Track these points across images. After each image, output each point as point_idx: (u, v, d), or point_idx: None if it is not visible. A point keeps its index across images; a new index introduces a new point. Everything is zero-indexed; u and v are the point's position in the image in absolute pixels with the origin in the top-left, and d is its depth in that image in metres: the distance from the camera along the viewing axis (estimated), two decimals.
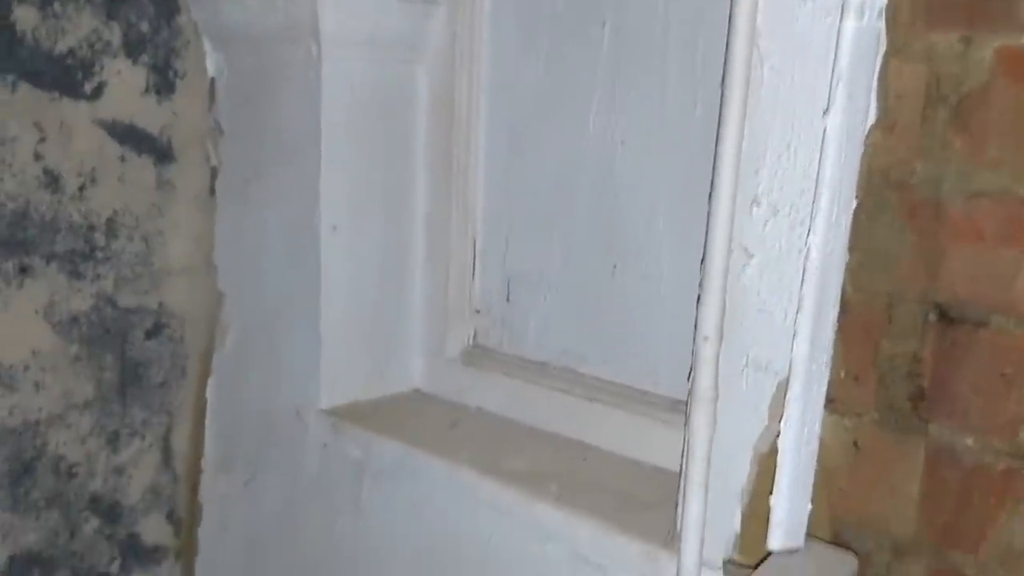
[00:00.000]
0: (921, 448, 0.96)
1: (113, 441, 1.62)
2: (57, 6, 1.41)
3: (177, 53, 1.55)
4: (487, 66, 1.44)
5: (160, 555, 1.73)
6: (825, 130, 0.91)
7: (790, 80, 0.93)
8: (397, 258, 1.54)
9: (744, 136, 0.96)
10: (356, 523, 1.47)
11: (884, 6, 0.92)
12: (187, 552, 1.75)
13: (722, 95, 0.95)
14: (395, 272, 1.54)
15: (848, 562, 0.99)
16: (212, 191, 1.63)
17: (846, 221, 0.95)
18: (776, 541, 0.99)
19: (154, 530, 1.71)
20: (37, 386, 1.51)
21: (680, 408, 1.14)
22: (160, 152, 1.57)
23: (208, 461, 1.71)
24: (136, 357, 1.62)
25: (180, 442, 1.70)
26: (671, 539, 1.07)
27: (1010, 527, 0.91)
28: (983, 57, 0.88)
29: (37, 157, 1.44)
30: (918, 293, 0.94)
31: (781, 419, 0.96)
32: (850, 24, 0.89)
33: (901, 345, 0.96)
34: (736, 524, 1.02)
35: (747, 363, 1.00)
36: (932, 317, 0.94)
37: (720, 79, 0.97)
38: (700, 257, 1.02)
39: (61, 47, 1.43)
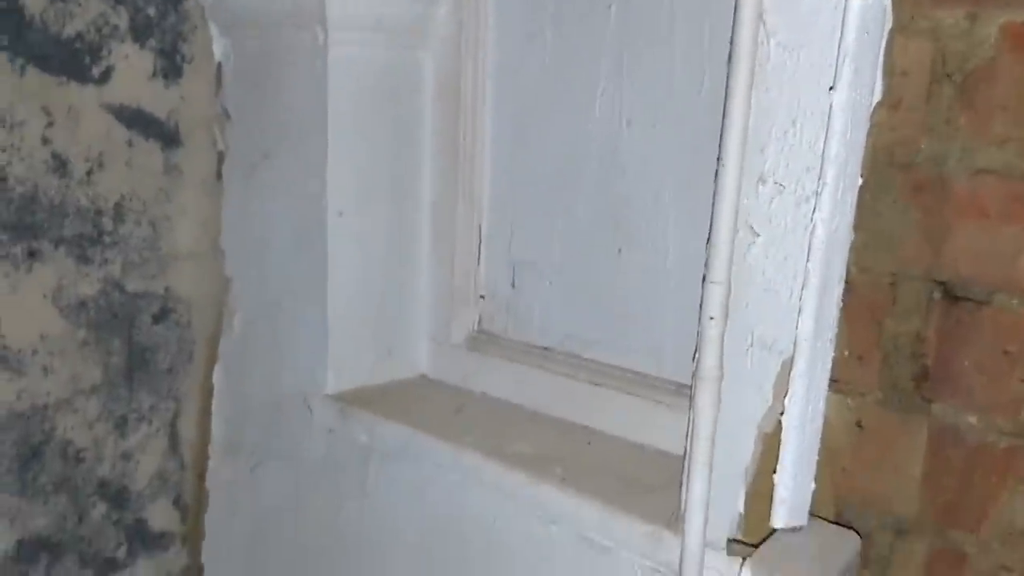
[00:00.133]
0: (924, 427, 0.96)
1: (120, 426, 1.63)
2: None
3: (184, 38, 1.55)
4: (493, 51, 1.44)
5: (167, 540, 1.73)
6: (831, 106, 0.91)
7: (797, 56, 0.93)
8: (403, 244, 1.54)
9: (751, 113, 0.96)
10: (362, 507, 1.47)
11: None
12: (193, 537, 1.76)
13: (728, 72, 0.95)
14: (401, 258, 1.54)
15: (851, 540, 0.99)
16: (219, 176, 1.63)
17: (851, 199, 0.95)
18: (779, 520, 0.99)
19: (161, 516, 1.71)
20: (45, 370, 1.52)
21: (684, 392, 1.14)
22: (167, 137, 1.57)
23: (215, 447, 1.71)
24: (143, 342, 1.62)
25: (187, 428, 1.71)
26: (675, 520, 1.07)
27: (1012, 506, 0.91)
28: (988, 33, 0.88)
29: (45, 141, 1.45)
30: (922, 272, 0.94)
31: (785, 398, 0.96)
32: (857, 0, 0.89)
33: (905, 324, 0.96)
34: (740, 504, 1.03)
35: (752, 342, 1.00)
36: (936, 296, 0.94)
37: (727, 57, 0.97)
38: (706, 239, 1.02)
39: (69, 31, 1.43)
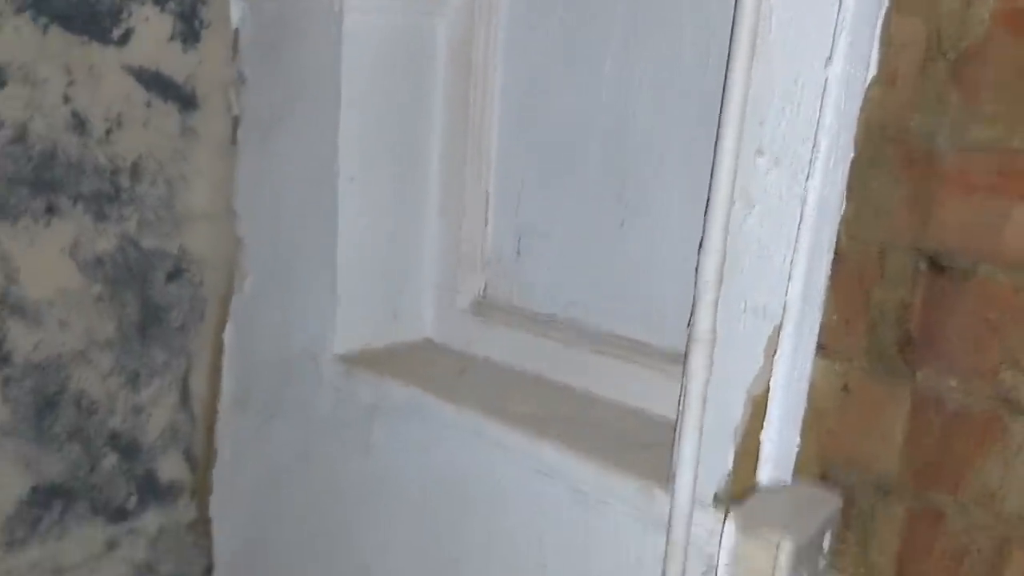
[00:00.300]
0: (908, 392, 1.00)
1: (133, 380, 1.67)
2: None
3: (203, 2, 1.58)
4: (505, 19, 1.46)
5: (176, 492, 1.78)
6: (827, 80, 0.94)
7: (796, 30, 0.96)
8: (412, 210, 1.57)
9: (751, 86, 0.99)
10: (366, 463, 1.52)
11: None
12: (202, 490, 1.81)
13: (730, 45, 0.98)
14: (410, 224, 1.58)
15: (832, 498, 1.03)
16: (234, 139, 1.66)
17: (843, 169, 0.98)
18: (764, 475, 1.03)
19: (171, 468, 1.76)
20: (61, 323, 1.56)
21: (681, 360, 1.18)
22: (184, 99, 1.60)
23: (224, 403, 1.76)
24: (157, 300, 1.66)
25: (198, 384, 1.75)
26: (668, 477, 1.12)
27: (987, 468, 0.95)
28: (982, 12, 0.91)
29: (66, 100, 1.48)
30: (910, 242, 0.98)
31: (774, 357, 1.00)
32: None
33: (892, 293, 1.00)
34: (729, 462, 1.06)
35: (745, 308, 1.04)
36: (922, 266, 0.98)
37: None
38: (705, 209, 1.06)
39: None
